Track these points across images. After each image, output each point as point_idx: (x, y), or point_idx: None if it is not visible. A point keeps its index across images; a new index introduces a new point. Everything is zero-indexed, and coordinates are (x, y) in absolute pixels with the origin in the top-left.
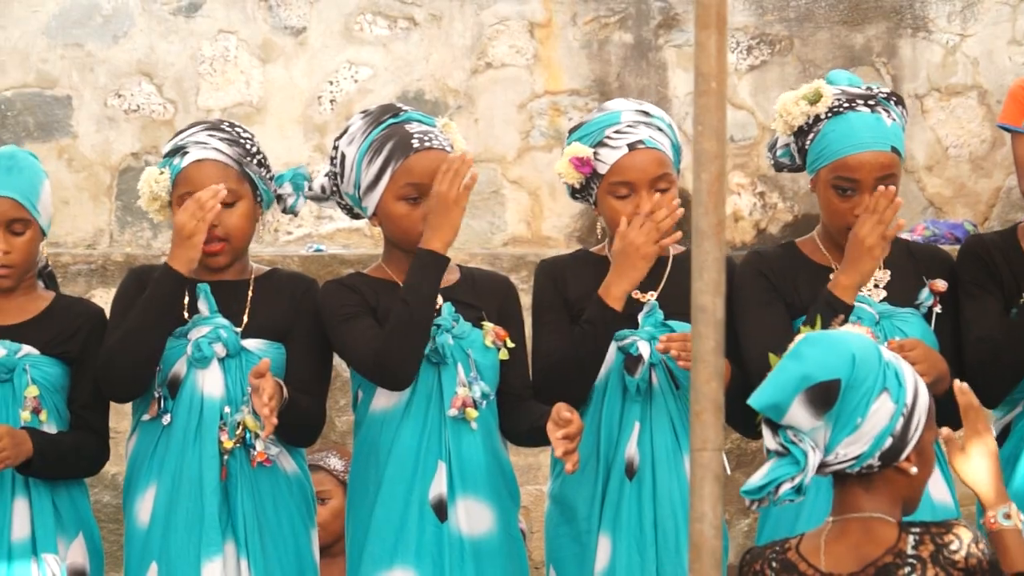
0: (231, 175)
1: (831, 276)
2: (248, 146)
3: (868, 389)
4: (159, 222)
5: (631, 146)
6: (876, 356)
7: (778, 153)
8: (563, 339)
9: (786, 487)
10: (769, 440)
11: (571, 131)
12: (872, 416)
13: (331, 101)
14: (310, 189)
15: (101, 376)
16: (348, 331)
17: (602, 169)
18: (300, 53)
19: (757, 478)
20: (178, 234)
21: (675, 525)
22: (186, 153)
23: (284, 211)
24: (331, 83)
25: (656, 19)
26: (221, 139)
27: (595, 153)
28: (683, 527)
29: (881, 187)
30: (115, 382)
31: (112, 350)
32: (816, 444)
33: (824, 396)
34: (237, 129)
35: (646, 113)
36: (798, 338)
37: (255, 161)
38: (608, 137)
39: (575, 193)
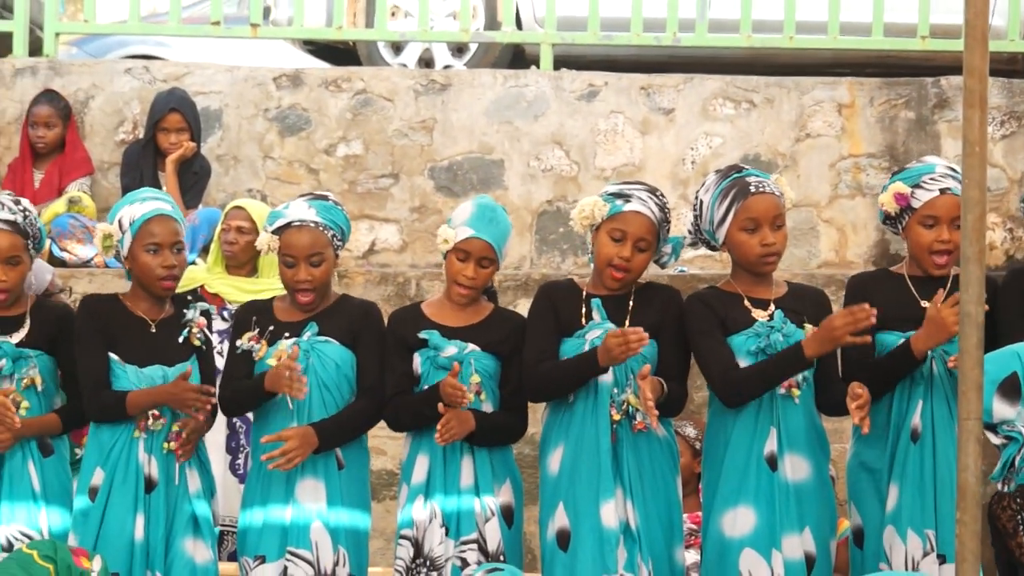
0: (652, 230)
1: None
2: (666, 212)
3: None
4: (580, 232)
5: (942, 191)
6: None
7: None
8: (867, 345)
9: (1018, 458)
10: (994, 439)
11: (894, 173)
12: None
13: (692, 162)
14: (680, 249)
15: (530, 387)
16: (704, 345)
17: (916, 204)
18: (669, 127)
19: (997, 467)
20: (610, 353)
21: (949, 475)
22: (628, 200)
23: (656, 262)
24: (692, 149)
25: (933, 101)
26: (655, 203)
27: (912, 192)
28: (955, 476)
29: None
30: (539, 399)
31: (540, 382)
32: None
33: (1011, 388)
34: (664, 198)
35: (953, 169)
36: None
37: (667, 227)
38: (924, 182)
39: (887, 219)
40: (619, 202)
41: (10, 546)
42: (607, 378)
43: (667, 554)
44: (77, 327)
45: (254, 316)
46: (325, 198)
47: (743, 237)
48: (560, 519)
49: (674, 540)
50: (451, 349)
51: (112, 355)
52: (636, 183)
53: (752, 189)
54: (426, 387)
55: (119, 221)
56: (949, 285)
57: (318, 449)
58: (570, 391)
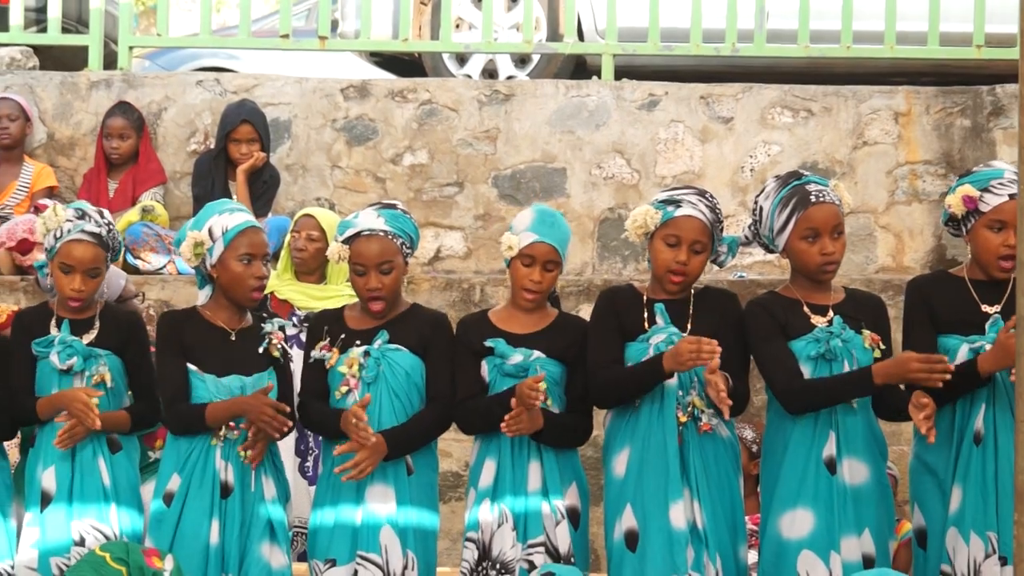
0: (705, 232)
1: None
2: (719, 214)
3: None
4: (634, 242)
5: (1012, 196)
6: None
7: None
8: (928, 349)
9: None
10: None
11: (961, 176)
12: None
13: (751, 170)
14: (737, 246)
15: (595, 393)
16: (767, 352)
17: (984, 208)
18: (728, 135)
19: None
20: (679, 358)
21: (1011, 478)
22: (680, 205)
23: (714, 262)
24: (751, 157)
25: (988, 109)
26: (705, 205)
27: (980, 196)
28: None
29: None
30: (604, 405)
31: (605, 388)
32: None
33: None
34: (714, 200)
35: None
36: None
37: (720, 227)
38: (992, 186)
39: (950, 221)
40: (670, 208)
41: (82, 540)
42: (672, 381)
43: (733, 554)
44: (157, 340)
45: (326, 325)
46: (393, 207)
47: (803, 246)
48: (628, 520)
49: (738, 540)
50: (517, 357)
51: (191, 366)
52: (685, 188)
53: (813, 199)
54: (498, 392)
55: (209, 230)
56: (1010, 288)
57: (387, 457)
58: (635, 397)
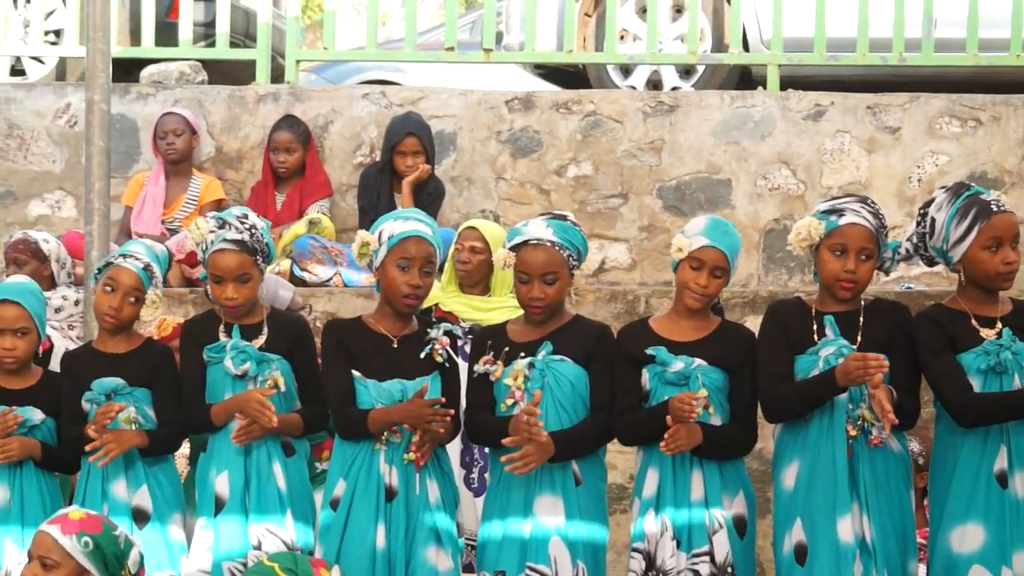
0: (871, 238)
1: None
2: (882, 219)
3: None
4: (799, 255)
5: None
6: None
7: None
8: None
9: None
10: None
11: None
12: None
13: (918, 180)
14: (899, 254)
15: (768, 410)
16: (937, 366)
17: None
18: (895, 145)
19: None
20: (848, 375)
21: None
22: (843, 214)
23: (880, 268)
24: (918, 167)
25: None
26: (868, 212)
27: None
28: None
29: None
30: (777, 421)
31: (778, 405)
32: None
33: None
34: (877, 206)
35: None
36: None
37: (885, 232)
38: None
39: None
40: (833, 218)
41: (259, 544)
42: (843, 394)
43: (902, 568)
44: (323, 348)
45: (489, 340)
46: (564, 218)
47: (985, 256)
48: (797, 534)
49: (908, 554)
50: (678, 364)
51: (355, 372)
52: (846, 196)
53: (994, 207)
54: (655, 403)
55: (379, 233)
56: None
57: (554, 459)
58: (808, 412)
